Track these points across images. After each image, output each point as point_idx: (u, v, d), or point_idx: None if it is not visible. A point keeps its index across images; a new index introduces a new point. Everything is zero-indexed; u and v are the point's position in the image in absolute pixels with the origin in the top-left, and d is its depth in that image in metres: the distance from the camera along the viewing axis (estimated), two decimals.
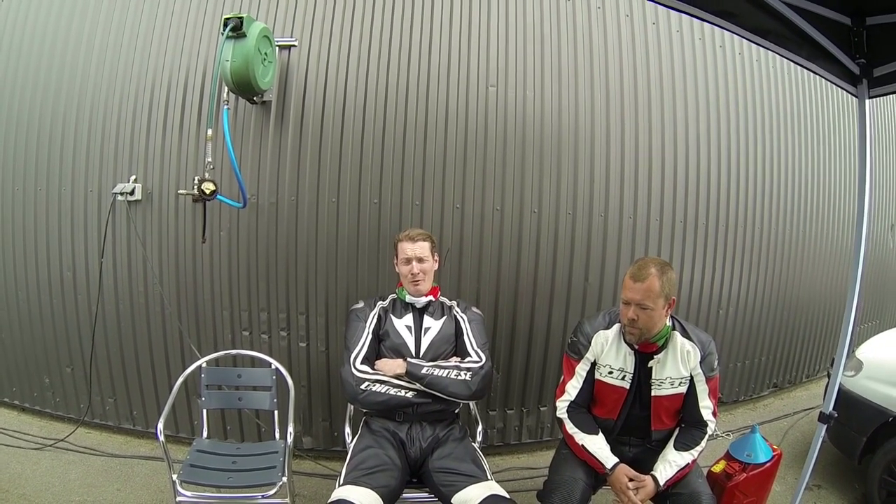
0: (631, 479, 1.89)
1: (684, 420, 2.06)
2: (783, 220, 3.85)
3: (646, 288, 1.84)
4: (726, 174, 3.49)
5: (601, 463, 1.94)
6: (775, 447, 2.34)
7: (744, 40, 2.11)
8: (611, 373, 2.02)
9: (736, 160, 3.54)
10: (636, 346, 1.99)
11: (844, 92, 2.28)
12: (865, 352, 2.99)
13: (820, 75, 2.21)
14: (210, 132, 2.53)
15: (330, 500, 1.75)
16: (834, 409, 2.27)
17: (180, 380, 2.39)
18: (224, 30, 2.42)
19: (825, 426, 2.26)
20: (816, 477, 3.00)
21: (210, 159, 2.58)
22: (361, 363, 2.12)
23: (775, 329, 4.03)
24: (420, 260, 2.25)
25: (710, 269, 3.52)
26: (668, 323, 1.98)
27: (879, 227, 4.91)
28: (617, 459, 1.94)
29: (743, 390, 3.99)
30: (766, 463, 2.26)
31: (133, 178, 2.98)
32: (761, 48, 2.19)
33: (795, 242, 3.97)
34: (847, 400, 2.80)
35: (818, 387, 4.28)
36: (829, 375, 2.72)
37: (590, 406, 2.12)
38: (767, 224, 3.76)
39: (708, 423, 2.00)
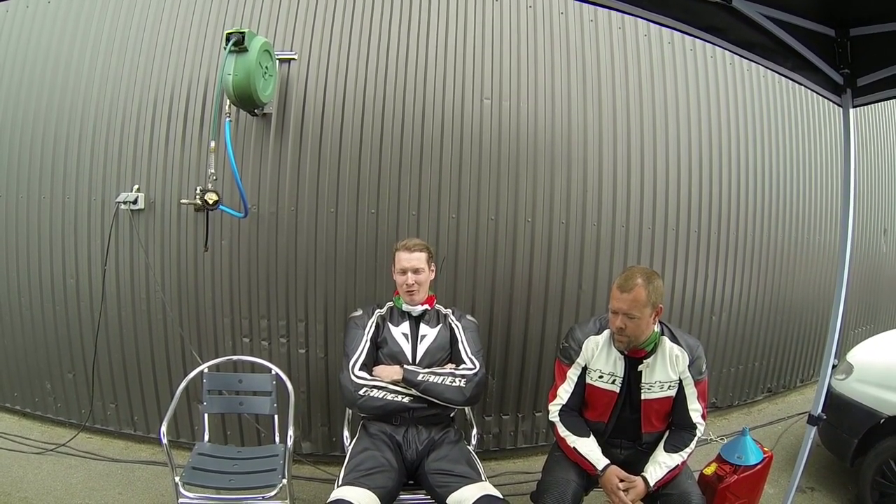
0: (622, 480, 1.94)
1: (674, 423, 2.10)
2: (775, 226, 3.90)
3: (632, 298, 1.89)
4: (717, 182, 3.55)
5: (592, 464, 1.98)
6: (766, 449, 2.39)
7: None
8: (601, 377, 2.07)
9: (727, 168, 3.60)
10: (626, 352, 2.04)
11: None
12: (856, 355, 3.04)
13: (805, 86, 2.27)
14: (213, 144, 2.60)
15: (328, 501, 1.80)
16: (825, 412, 2.31)
17: (183, 384, 2.44)
18: (227, 44, 2.50)
19: (814, 428, 2.32)
20: (810, 479, 3.04)
21: (213, 170, 2.64)
22: (360, 369, 2.17)
23: (768, 334, 4.07)
24: (416, 271, 2.29)
25: (702, 276, 3.57)
26: (657, 329, 2.03)
27: (872, 232, 4.96)
28: (608, 461, 1.99)
29: (737, 395, 4.02)
30: (756, 465, 2.30)
31: (136, 187, 3.03)
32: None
33: (787, 248, 4.02)
34: (838, 403, 2.86)
35: (813, 391, 4.29)
36: None
37: (581, 410, 2.16)
38: (759, 230, 3.81)
39: (697, 425, 2.05)
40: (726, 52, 3.48)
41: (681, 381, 2.04)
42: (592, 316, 2.44)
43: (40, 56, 3.22)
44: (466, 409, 2.50)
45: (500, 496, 1.89)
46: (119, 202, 3.01)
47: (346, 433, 2.39)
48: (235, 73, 2.52)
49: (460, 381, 2.17)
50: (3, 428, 3.26)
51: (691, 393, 2.04)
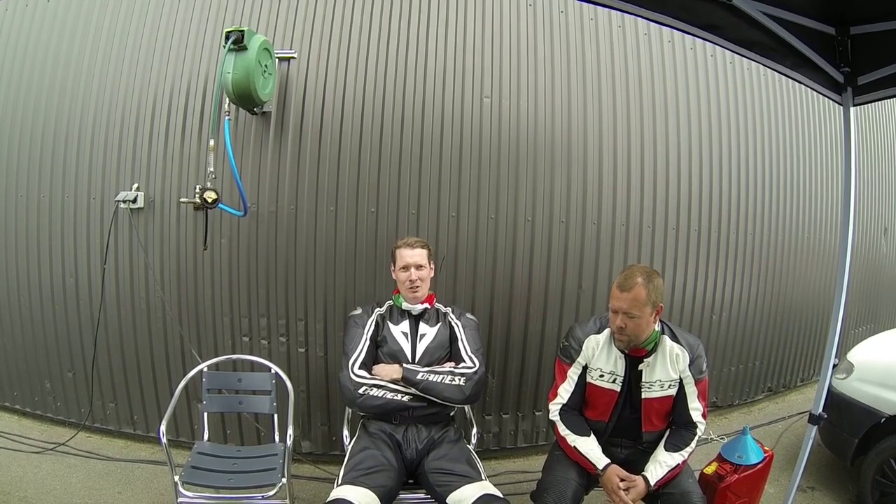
0: (622, 480, 1.93)
1: (674, 422, 2.10)
2: (775, 225, 3.90)
3: (632, 297, 1.88)
4: (717, 181, 3.55)
5: (593, 464, 1.98)
6: (767, 448, 2.38)
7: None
8: (602, 376, 2.06)
9: (728, 166, 3.59)
10: (626, 351, 2.03)
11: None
12: (856, 354, 3.03)
13: (805, 84, 2.26)
14: (212, 143, 2.60)
15: (328, 500, 1.80)
16: (826, 411, 2.30)
17: (183, 383, 2.44)
18: (226, 43, 2.48)
19: (815, 427, 2.31)
20: (810, 479, 3.04)
21: (212, 169, 2.64)
22: (359, 368, 2.17)
23: (769, 333, 4.07)
24: (418, 267, 2.30)
25: (702, 275, 3.56)
26: (657, 328, 2.02)
27: (872, 231, 4.96)
28: (608, 460, 1.99)
29: (737, 394, 4.01)
30: (757, 464, 2.29)
31: (135, 186, 3.03)
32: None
33: (788, 247, 4.02)
34: (839, 402, 2.85)
35: (813, 390, 4.28)
36: None
37: (582, 409, 2.16)
38: (759, 229, 3.80)
39: (697, 424, 2.04)
40: (726, 50, 3.53)
41: (681, 379, 2.03)
42: (593, 315, 2.44)
43: (39, 55, 3.21)
44: (466, 407, 2.50)
45: (500, 495, 1.88)
46: (118, 201, 3.00)
47: (345, 432, 2.39)
48: (235, 72, 2.52)
49: (460, 379, 2.17)
50: (2, 427, 3.25)
51: (692, 392, 2.04)
